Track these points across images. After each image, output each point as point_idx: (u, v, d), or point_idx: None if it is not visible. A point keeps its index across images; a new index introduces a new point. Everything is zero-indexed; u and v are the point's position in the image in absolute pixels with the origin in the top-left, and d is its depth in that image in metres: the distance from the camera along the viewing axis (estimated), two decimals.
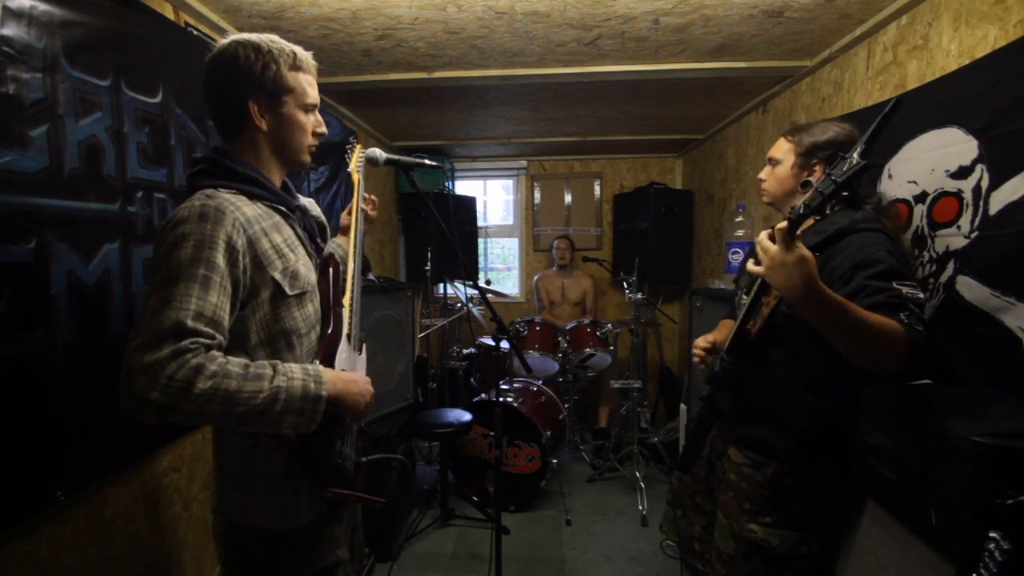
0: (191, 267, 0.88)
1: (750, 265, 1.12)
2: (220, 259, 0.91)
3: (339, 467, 1.10)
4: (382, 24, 1.92)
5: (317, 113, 1.13)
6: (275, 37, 1.05)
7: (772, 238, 1.04)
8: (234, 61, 1.00)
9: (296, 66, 1.06)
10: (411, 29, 1.96)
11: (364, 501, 1.14)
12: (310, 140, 1.12)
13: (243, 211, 0.97)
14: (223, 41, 1.03)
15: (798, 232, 1.02)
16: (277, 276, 1.01)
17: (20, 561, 1.14)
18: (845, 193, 0.95)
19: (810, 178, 1.35)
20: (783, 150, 1.41)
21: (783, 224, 1.02)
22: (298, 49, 1.07)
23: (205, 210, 0.92)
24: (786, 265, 1.01)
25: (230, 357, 0.90)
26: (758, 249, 1.08)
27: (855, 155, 0.93)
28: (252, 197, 1.02)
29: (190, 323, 0.86)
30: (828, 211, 1.05)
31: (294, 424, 0.95)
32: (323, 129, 1.13)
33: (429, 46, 2.13)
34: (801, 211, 0.99)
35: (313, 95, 1.10)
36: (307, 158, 1.13)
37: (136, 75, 1.43)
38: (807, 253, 1.01)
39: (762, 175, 1.48)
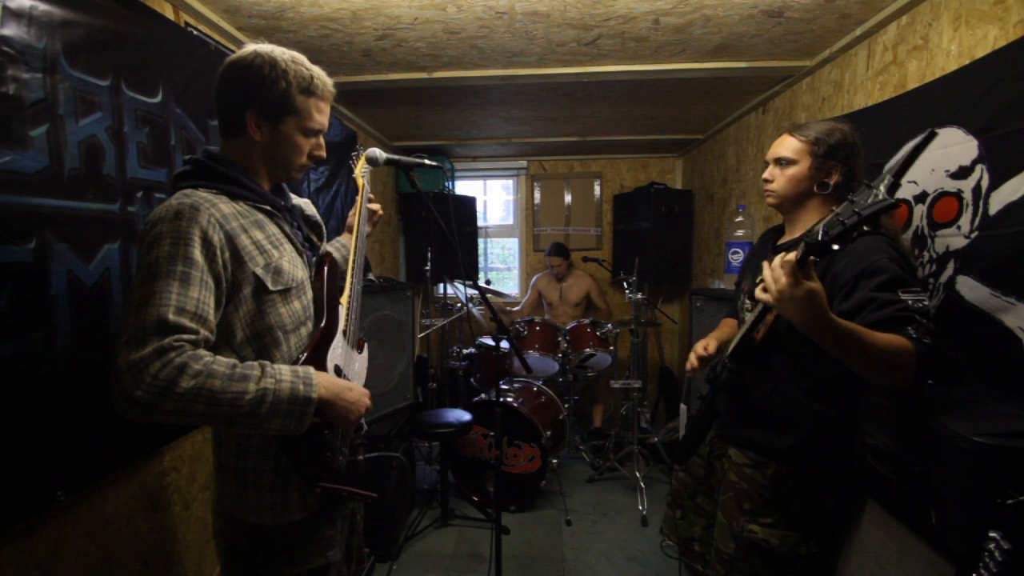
0: (169, 264, 0.89)
1: (758, 293, 1.09)
2: (197, 254, 0.91)
3: (328, 462, 1.08)
4: (382, 24, 1.92)
5: (321, 138, 1.12)
6: (300, 57, 1.06)
7: (785, 267, 1.00)
8: (247, 70, 1.01)
9: (308, 90, 1.05)
10: (411, 29, 1.96)
11: (355, 496, 1.12)
12: (303, 161, 1.11)
13: (219, 208, 0.97)
14: (248, 47, 1.03)
15: (809, 260, 0.98)
16: (259, 271, 1.00)
17: (20, 561, 1.14)
18: (867, 228, 0.89)
19: (827, 180, 1.32)
20: (795, 150, 1.34)
21: (792, 256, 0.99)
22: (317, 73, 1.07)
23: (180, 208, 0.93)
24: (796, 299, 1.00)
25: (217, 356, 0.90)
26: (766, 278, 1.05)
27: (882, 188, 0.88)
28: (234, 197, 1.03)
29: (172, 318, 0.86)
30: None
31: (281, 427, 0.95)
32: (321, 153, 1.13)
33: (429, 46, 2.13)
34: (820, 238, 0.94)
35: (319, 121, 1.09)
36: (296, 175, 1.13)
37: (136, 75, 1.43)
38: (816, 286, 1.00)
39: (767, 175, 1.40)
